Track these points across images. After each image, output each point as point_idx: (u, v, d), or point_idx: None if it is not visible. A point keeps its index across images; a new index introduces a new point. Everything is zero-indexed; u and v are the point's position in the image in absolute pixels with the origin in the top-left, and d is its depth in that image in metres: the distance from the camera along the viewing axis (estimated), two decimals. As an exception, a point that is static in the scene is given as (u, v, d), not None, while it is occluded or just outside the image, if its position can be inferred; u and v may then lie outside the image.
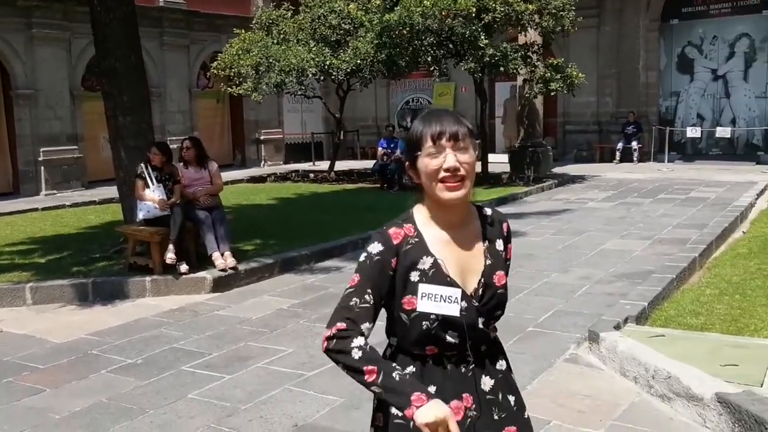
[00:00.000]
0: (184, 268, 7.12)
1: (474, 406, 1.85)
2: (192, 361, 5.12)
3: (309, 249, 8.36)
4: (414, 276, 1.83)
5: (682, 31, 19.18)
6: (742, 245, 8.12)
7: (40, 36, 15.50)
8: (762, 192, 12.53)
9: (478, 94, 15.95)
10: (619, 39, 19.42)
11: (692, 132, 18.21)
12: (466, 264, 1.88)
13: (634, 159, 18.40)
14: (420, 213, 1.91)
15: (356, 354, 1.76)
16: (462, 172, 1.82)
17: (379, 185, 15.04)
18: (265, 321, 6.07)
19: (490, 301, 1.88)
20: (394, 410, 1.83)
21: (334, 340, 1.80)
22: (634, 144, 18.48)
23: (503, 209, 11.96)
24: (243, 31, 16.19)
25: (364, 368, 1.74)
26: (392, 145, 15.19)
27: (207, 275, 7.14)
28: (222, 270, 7.22)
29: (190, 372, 4.90)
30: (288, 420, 4.06)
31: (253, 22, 16.83)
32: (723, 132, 17.74)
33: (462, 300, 1.82)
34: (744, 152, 18.44)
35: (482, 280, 1.88)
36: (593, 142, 19.99)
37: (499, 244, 1.96)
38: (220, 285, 7.13)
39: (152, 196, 7.31)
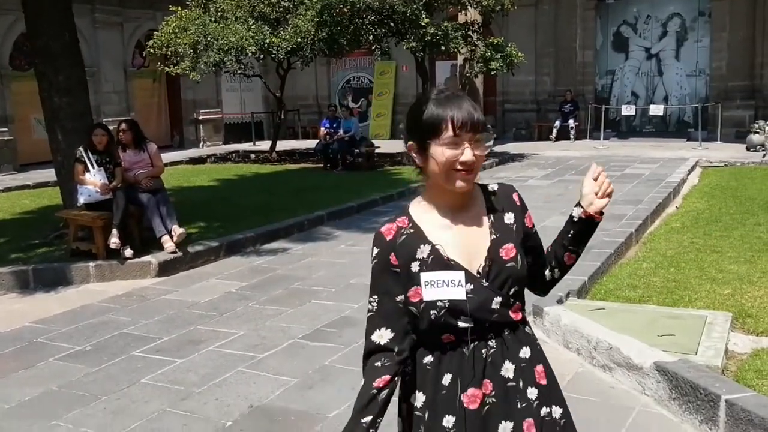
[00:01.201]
0: (128, 252, 7.02)
1: (493, 392, 1.77)
2: (142, 346, 5.08)
3: (254, 231, 8.33)
4: (414, 267, 1.79)
5: (618, 10, 19.61)
6: (675, 220, 8.46)
7: (-37, 13, 14.78)
8: (693, 168, 13.03)
9: (419, 73, 16.03)
10: (557, 18, 19.75)
11: (627, 110, 18.72)
12: (472, 245, 1.82)
13: (571, 137, 18.79)
14: (417, 206, 1.87)
15: (359, 402, 1.78)
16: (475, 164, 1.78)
17: (322, 165, 15.02)
18: (213, 304, 6.04)
19: (498, 277, 1.79)
20: (412, 400, 1.84)
21: (364, 363, 1.83)
22: (571, 122, 18.87)
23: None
24: (179, 8, 15.76)
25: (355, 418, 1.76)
26: (335, 125, 15.17)
27: (152, 259, 7.06)
28: (172, 252, 7.16)
29: (141, 357, 4.87)
30: (243, 402, 4.10)
31: (190, -1, 16.46)
32: (656, 110, 18.26)
33: (468, 282, 1.77)
34: (676, 129, 19.11)
35: (488, 257, 1.81)
36: (531, 121, 20.36)
37: (509, 217, 1.88)
38: (166, 269, 7.06)
39: (93, 180, 7.17)
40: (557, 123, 19.05)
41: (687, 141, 17.60)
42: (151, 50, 15.92)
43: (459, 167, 1.76)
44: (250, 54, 14.96)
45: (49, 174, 11.66)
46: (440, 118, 1.75)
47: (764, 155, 14.06)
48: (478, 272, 1.79)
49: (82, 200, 7.25)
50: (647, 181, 11.79)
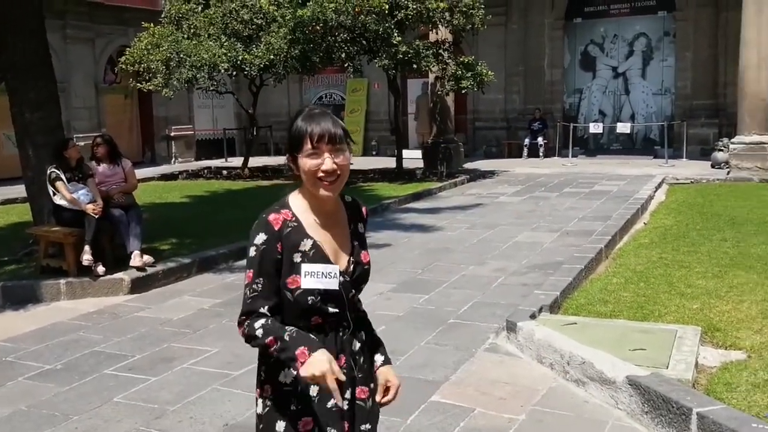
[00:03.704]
0: (100, 269, 6.94)
1: (344, 365, 2.09)
2: (115, 364, 5.02)
3: (227, 248, 8.28)
4: (297, 257, 2.04)
5: (585, 30, 19.99)
6: (643, 236, 8.61)
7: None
8: (660, 185, 13.26)
9: (391, 90, 16.16)
10: (526, 37, 20.05)
11: (594, 128, 18.99)
12: (339, 246, 2.12)
13: (540, 154, 19.02)
14: (296, 200, 2.12)
15: (260, 332, 1.99)
16: (338, 172, 2.03)
17: (293, 181, 14.98)
18: (187, 321, 6.00)
19: (359, 276, 2.14)
20: (281, 378, 2.07)
21: (245, 328, 2.03)
22: (540, 140, 19.11)
23: (420, 204, 12.25)
24: (152, 24, 15.76)
25: (266, 341, 1.98)
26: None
27: (125, 276, 6.98)
28: (141, 269, 7.09)
29: (114, 375, 4.81)
30: (218, 420, 4.07)
31: (162, 15, 16.37)
32: (623, 127, 18.60)
33: (340, 275, 2.06)
34: (642, 147, 19.45)
35: (352, 259, 2.13)
36: (502, 139, 20.59)
37: (360, 227, 2.21)
38: (139, 286, 6.99)
39: (83, 205, 7.00)
40: (527, 141, 19.27)
41: (653, 158, 17.93)
42: (123, 66, 15.89)
43: (321, 176, 2.02)
44: (222, 71, 14.97)
45: (18, 190, 11.47)
46: (301, 133, 2.04)
47: (728, 172, 14.36)
48: (344, 270, 2.10)
49: (86, 200, 7.09)
50: (615, 197, 11.97)
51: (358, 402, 2.15)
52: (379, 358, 2.28)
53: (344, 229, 2.16)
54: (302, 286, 2.02)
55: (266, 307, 2.02)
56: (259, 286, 2.03)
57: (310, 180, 2.04)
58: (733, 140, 14.66)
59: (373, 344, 2.27)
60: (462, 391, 4.34)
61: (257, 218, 2.10)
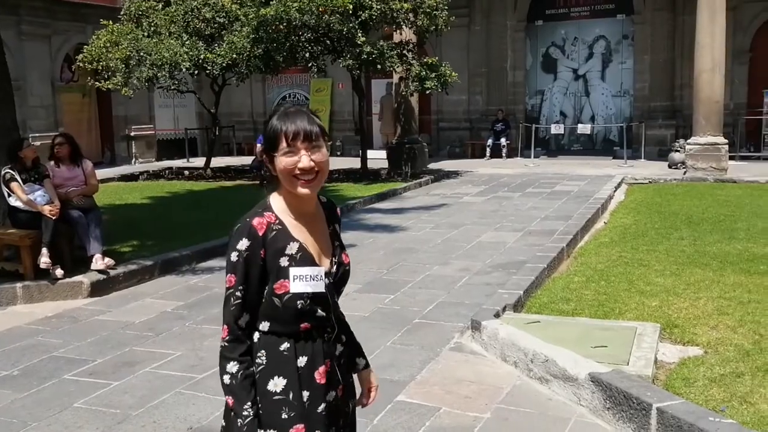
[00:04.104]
0: (59, 272, 6.77)
1: (329, 369, 2.09)
2: (75, 369, 4.92)
3: (190, 249, 8.19)
4: (284, 261, 1.99)
5: (546, 32, 20.21)
6: (604, 235, 8.75)
7: None
8: (619, 185, 13.49)
9: (356, 90, 16.15)
10: (488, 39, 20.21)
11: (556, 129, 19.33)
12: (320, 246, 2.09)
13: (503, 155, 19.19)
14: (276, 201, 2.07)
15: (227, 379, 2.01)
16: (316, 169, 2.01)
17: (257, 182, 14.91)
18: (149, 324, 5.91)
19: (342, 277, 2.14)
20: (271, 387, 2.03)
21: (225, 344, 2.03)
22: (503, 140, 19.28)
23: (385, 204, 12.26)
24: (110, 22, 15.48)
25: (227, 397, 2.02)
26: (270, 142, 15.07)
27: (84, 279, 6.83)
28: (103, 272, 6.95)
29: (74, 380, 4.72)
30: (182, 423, 4.02)
31: (122, 13, 16.09)
32: (584, 129, 18.96)
33: (325, 277, 2.05)
34: (602, 147, 19.76)
35: (334, 260, 2.12)
36: (465, 139, 20.73)
37: (338, 228, 2.21)
38: (99, 289, 6.85)
39: (40, 207, 6.82)
40: (489, 141, 19.42)
41: (613, 159, 18.27)
42: (81, 64, 15.53)
43: (297, 173, 1.99)
44: (184, 70, 14.78)
45: None
46: (277, 132, 2.01)
47: (685, 172, 14.69)
48: (327, 272, 2.08)
49: (43, 201, 6.90)
50: (576, 197, 12.14)
51: (341, 403, 2.17)
52: (360, 362, 2.30)
53: (324, 230, 2.14)
54: (291, 290, 1.98)
55: (246, 321, 2.01)
56: (241, 293, 2.00)
57: (286, 179, 2.01)
58: (689, 141, 15.00)
59: (353, 347, 2.28)
60: (428, 391, 4.36)
61: (238, 221, 2.06)
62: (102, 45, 15.08)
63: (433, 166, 17.57)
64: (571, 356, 4.29)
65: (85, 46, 15.71)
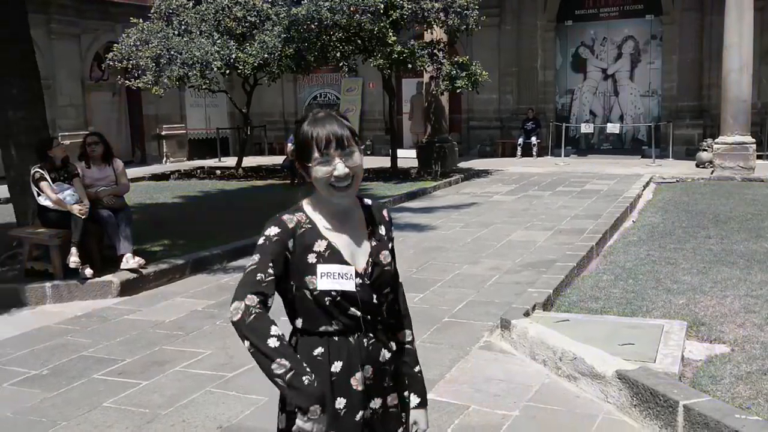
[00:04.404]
0: (88, 272, 6.76)
1: (371, 375, 2.03)
2: (104, 368, 4.89)
3: (221, 248, 8.21)
4: (311, 258, 1.97)
5: (576, 33, 20.07)
6: (632, 234, 8.66)
7: None
8: (647, 184, 13.39)
9: (386, 90, 16.16)
10: (519, 38, 20.10)
11: (585, 128, 19.21)
12: (355, 247, 2.04)
13: (534, 154, 19.10)
14: (309, 205, 2.05)
15: (273, 342, 1.84)
16: (351, 174, 1.97)
17: (289, 181, 14.98)
18: (179, 323, 5.91)
19: (379, 277, 2.05)
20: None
21: (252, 316, 1.87)
22: (533, 139, 19.19)
23: (414, 203, 12.25)
24: (140, 20, 15.42)
25: (277, 359, 1.83)
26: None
27: (114, 278, 6.81)
28: (134, 272, 6.96)
29: (103, 380, 4.69)
30: (212, 422, 4.01)
31: (152, 11, 16.04)
32: (613, 128, 18.86)
33: (356, 277, 1.99)
34: (631, 147, 19.61)
35: (370, 260, 2.05)
36: (495, 138, 20.64)
37: (382, 229, 2.14)
38: (128, 288, 6.83)
39: (69, 206, 6.82)
40: (520, 140, 19.35)
41: (641, 158, 18.16)
42: (111, 63, 15.48)
43: (333, 181, 1.97)
44: (215, 69, 14.75)
45: (0, 191, 11.31)
46: (308, 139, 1.97)
47: (712, 171, 14.52)
48: (362, 272, 2.02)
49: (72, 201, 6.89)
50: (605, 196, 12.02)
51: (391, 410, 2.10)
52: (414, 400, 2.19)
53: (361, 231, 2.08)
54: (318, 287, 1.96)
55: (272, 299, 1.93)
56: (271, 270, 1.93)
57: (323, 188, 1.98)
58: (716, 140, 14.88)
59: (414, 381, 2.20)
60: (457, 389, 4.35)
61: (270, 218, 2.04)
62: (132, 43, 15.04)
63: (463, 165, 17.51)
64: (599, 354, 4.27)
65: (115, 45, 15.71)
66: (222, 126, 21.79)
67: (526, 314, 5.22)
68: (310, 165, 1.97)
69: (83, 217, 6.80)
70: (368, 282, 2.02)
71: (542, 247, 8.31)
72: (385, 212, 2.19)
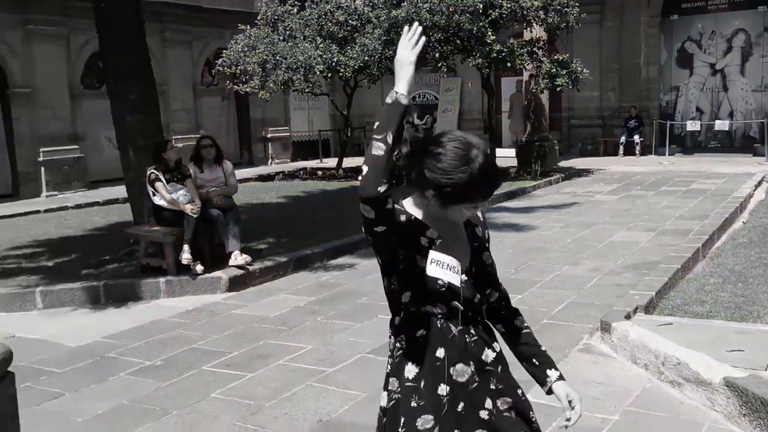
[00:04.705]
0: (199, 268, 7.10)
1: (475, 374, 2.02)
2: (212, 360, 5.12)
3: (322, 246, 8.44)
4: (423, 241, 1.98)
5: (682, 27, 19.30)
6: (742, 235, 8.29)
7: (37, 32, 14.96)
8: (759, 183, 12.72)
9: (485, 89, 16.07)
10: (621, 34, 19.52)
11: (692, 125, 18.46)
12: (457, 248, 2.04)
13: (637, 152, 18.52)
14: (410, 204, 2.04)
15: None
16: None
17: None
18: (282, 319, 6.13)
19: (480, 277, 2.08)
20: (406, 373, 2.00)
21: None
22: (636, 138, 18.61)
23: (513, 203, 12.15)
24: (248, 27, 15.98)
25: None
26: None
27: (222, 275, 7.14)
28: (241, 268, 7.25)
29: (211, 371, 4.92)
30: (312, 416, 4.13)
31: (258, 18, 16.63)
32: (721, 125, 18.03)
33: (462, 273, 2.02)
34: (741, 144, 18.64)
35: (473, 261, 2.07)
36: (597, 136, 20.13)
37: (479, 230, 2.15)
38: (236, 284, 7.14)
39: (182, 206, 7.15)
40: (622, 138, 18.83)
41: (753, 156, 17.24)
42: (221, 68, 16.12)
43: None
44: (318, 72, 15.06)
45: (118, 191, 11.78)
46: (471, 189, 1.92)
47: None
48: (465, 271, 2.04)
49: (184, 200, 7.21)
50: (713, 196, 11.54)
51: (505, 414, 2.06)
52: (553, 374, 2.17)
53: (461, 231, 2.09)
54: (427, 273, 1.96)
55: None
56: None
57: (453, 212, 2.01)
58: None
59: (545, 357, 2.21)
60: (554, 392, 4.32)
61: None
62: (240, 49, 15.62)
63: (563, 164, 17.19)
64: (705, 360, 4.13)
65: (224, 51, 16.33)
66: (324, 128, 22.26)
67: (627, 317, 5.11)
68: (458, 206, 1.96)
69: (195, 216, 7.14)
70: (472, 281, 2.04)
71: (645, 248, 8.07)
72: (479, 213, 2.19)
